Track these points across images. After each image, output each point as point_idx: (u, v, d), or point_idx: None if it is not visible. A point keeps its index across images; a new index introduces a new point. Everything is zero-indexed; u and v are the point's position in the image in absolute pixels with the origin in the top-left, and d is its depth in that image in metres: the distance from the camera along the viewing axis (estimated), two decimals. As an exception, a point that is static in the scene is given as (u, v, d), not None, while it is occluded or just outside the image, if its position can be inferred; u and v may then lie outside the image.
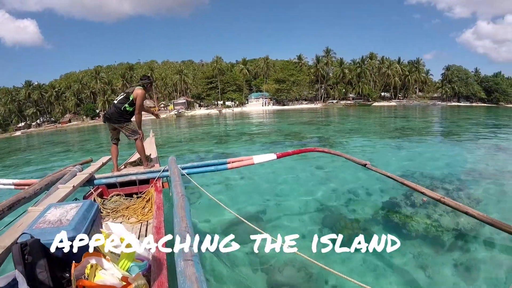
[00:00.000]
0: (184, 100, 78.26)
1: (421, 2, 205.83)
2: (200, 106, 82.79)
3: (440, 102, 78.39)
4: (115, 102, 4.62)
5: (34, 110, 76.07)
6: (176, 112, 64.19)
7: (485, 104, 75.52)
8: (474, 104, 77.11)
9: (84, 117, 74.66)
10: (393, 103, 77.88)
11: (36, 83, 77.54)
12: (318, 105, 77.81)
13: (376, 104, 74.16)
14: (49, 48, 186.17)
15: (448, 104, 75.66)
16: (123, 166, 5.23)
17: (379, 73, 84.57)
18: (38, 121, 77.87)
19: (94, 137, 30.01)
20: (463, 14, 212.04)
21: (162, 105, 79.39)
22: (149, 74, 61.51)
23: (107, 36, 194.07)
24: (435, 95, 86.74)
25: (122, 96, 4.63)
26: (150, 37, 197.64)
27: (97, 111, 75.56)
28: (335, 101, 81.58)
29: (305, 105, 78.16)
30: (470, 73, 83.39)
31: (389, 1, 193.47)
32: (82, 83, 77.73)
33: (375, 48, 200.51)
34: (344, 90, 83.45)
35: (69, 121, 73.01)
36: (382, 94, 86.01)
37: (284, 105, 78.36)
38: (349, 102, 79.36)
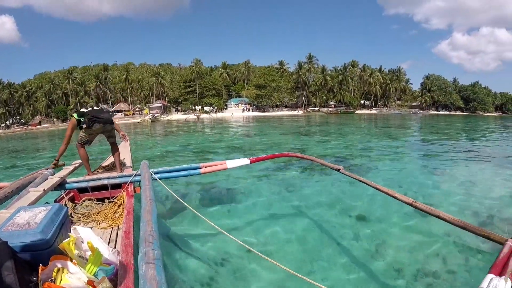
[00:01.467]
0: (160, 104, 76.76)
1: (399, 14, 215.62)
2: (177, 110, 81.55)
3: (421, 111, 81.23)
4: (103, 108, 4.73)
5: (4, 111, 72.60)
6: (151, 117, 62.03)
7: (463, 113, 79.62)
8: (452, 112, 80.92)
9: (55, 119, 72.00)
10: (373, 111, 79.55)
11: (6, 81, 74.11)
12: (299, 112, 78.19)
13: (358, 112, 75.32)
14: (26, 46, 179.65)
15: (429, 112, 78.63)
16: (96, 171, 5.20)
17: (361, 81, 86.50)
18: (7, 122, 74.10)
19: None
20: (439, 26, 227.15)
21: (137, 109, 77.37)
22: (124, 76, 59.52)
23: (86, 37, 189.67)
24: (414, 103, 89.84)
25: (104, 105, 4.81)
26: (129, 39, 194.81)
27: (69, 113, 71.92)
28: (317, 108, 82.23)
29: (286, 112, 78.45)
30: (449, 83, 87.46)
31: (368, 12, 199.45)
32: (54, 83, 74.86)
33: (353, 56, 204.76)
34: (325, 97, 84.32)
35: (39, 123, 69.76)
36: (362, 102, 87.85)
37: (264, 111, 78.23)
38: (331, 109, 80.00)
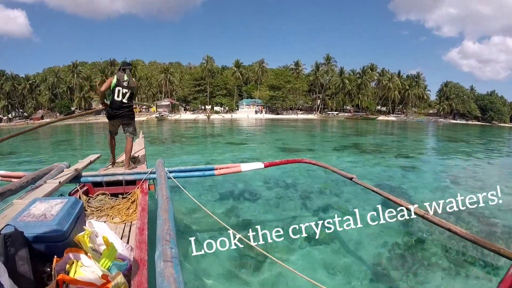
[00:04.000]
0: (168, 102, 75.72)
1: (410, 20, 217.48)
2: (185, 110, 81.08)
3: (442, 119, 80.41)
4: (124, 100, 5.07)
5: (6, 103, 72.91)
6: (157, 115, 61.16)
7: (480, 123, 78.87)
8: (469, 122, 80.00)
9: (58, 114, 71.66)
10: (392, 117, 78.48)
11: (10, 73, 74.49)
12: (315, 115, 77.30)
13: (380, 118, 73.47)
14: (37, 41, 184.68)
15: (450, 121, 77.74)
16: (109, 165, 5.52)
17: (379, 85, 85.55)
18: (10, 115, 74.96)
19: (68, 139, 25.32)
20: (450, 33, 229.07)
21: (144, 107, 77.70)
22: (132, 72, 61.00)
23: (96, 33, 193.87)
24: (430, 111, 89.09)
25: (128, 94, 5.10)
26: (139, 38, 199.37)
27: (73, 108, 73.39)
28: (336, 113, 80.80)
29: (301, 115, 77.52)
30: (467, 91, 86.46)
31: (379, 17, 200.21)
32: (58, 77, 75.16)
33: (362, 61, 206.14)
34: (341, 101, 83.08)
35: (42, 117, 69.67)
36: (378, 108, 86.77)
37: (278, 113, 77.53)
38: (350, 114, 78.39)
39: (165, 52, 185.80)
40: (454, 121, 79.20)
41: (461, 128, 49.52)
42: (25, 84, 74.44)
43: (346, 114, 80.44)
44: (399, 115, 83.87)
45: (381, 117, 75.64)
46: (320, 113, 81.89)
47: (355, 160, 13.18)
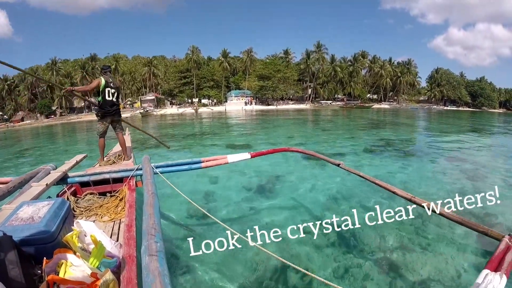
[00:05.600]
0: (153, 97, 74.57)
1: (395, 8, 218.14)
2: (171, 104, 79.93)
3: (435, 106, 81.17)
4: (113, 99, 5.64)
5: None
6: (141, 111, 59.09)
7: (470, 109, 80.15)
8: (460, 108, 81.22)
9: (39, 115, 70.14)
10: (385, 105, 78.62)
11: None
12: (307, 105, 76.56)
13: (375, 106, 73.19)
14: (19, 41, 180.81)
15: (444, 108, 78.73)
16: (98, 164, 5.64)
17: (370, 73, 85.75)
18: None
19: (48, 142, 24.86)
20: (435, 21, 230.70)
21: (128, 102, 75.69)
22: (113, 66, 58.09)
23: (79, 30, 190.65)
24: (421, 98, 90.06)
25: (116, 93, 5.67)
26: (123, 33, 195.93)
27: (54, 108, 71.36)
28: (329, 102, 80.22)
29: (292, 106, 76.74)
30: (457, 77, 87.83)
31: (364, 5, 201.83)
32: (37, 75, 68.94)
33: (346, 52, 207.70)
34: (333, 90, 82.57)
35: (22, 119, 68.13)
36: (369, 96, 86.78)
37: (268, 104, 76.38)
38: (343, 103, 77.74)
39: (149, 46, 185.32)
40: (447, 108, 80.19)
41: (460, 115, 50.07)
42: (3, 85, 71.92)
43: (339, 103, 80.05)
44: (391, 103, 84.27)
45: (375, 106, 75.50)
46: (312, 102, 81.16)
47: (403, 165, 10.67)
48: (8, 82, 73.36)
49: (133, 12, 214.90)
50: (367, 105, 74.00)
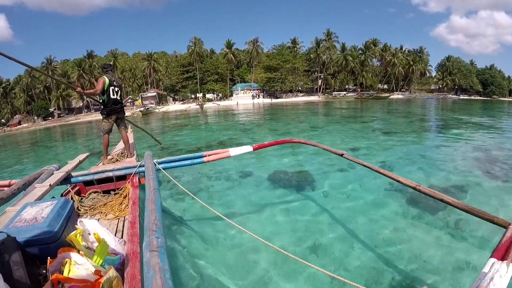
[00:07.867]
0: (155, 93, 71.39)
1: None
2: (174, 100, 77.45)
3: (450, 95, 79.88)
4: (118, 97, 5.84)
5: None
6: (142, 109, 56.60)
7: (481, 98, 78.80)
8: (472, 97, 79.68)
9: (36, 117, 69.39)
10: (398, 95, 76.10)
11: None
12: (318, 97, 73.49)
13: (392, 97, 68.88)
14: (19, 44, 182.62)
15: (460, 97, 77.04)
16: (101, 163, 5.75)
17: (381, 62, 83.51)
18: None
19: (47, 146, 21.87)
20: (437, 9, 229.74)
21: (130, 100, 72.65)
22: (111, 62, 57.26)
23: (78, 30, 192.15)
24: (432, 87, 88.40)
25: (120, 91, 5.91)
26: (122, 31, 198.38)
27: (51, 109, 70.09)
28: (344, 93, 77.12)
29: (302, 98, 73.70)
30: (468, 65, 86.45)
31: None
32: (32, 76, 69.07)
33: (348, 42, 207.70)
34: (345, 80, 79.82)
35: (19, 123, 67.06)
36: (379, 86, 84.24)
37: (277, 97, 73.99)
38: (358, 93, 73.83)
39: (150, 42, 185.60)
40: (463, 97, 78.75)
41: (480, 105, 46.76)
42: (-2, 89, 70.07)
43: (351, 94, 76.77)
44: (404, 93, 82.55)
45: (393, 96, 71.53)
46: (323, 94, 78.18)
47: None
48: (4, 85, 72.38)
49: (131, 10, 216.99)
50: (384, 95, 68.63)
